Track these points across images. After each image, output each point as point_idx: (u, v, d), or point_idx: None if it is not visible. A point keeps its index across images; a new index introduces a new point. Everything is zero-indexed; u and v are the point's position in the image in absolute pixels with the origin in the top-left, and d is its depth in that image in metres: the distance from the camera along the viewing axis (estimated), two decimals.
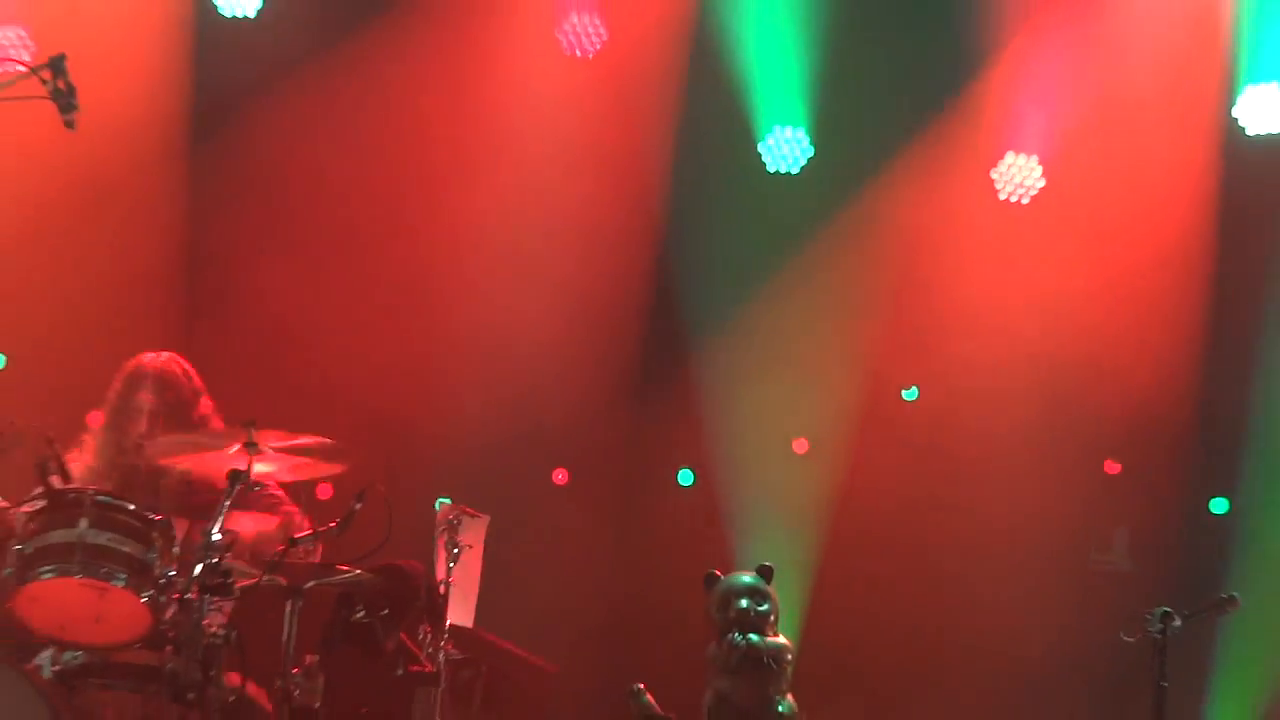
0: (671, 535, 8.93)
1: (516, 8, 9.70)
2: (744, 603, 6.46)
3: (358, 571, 6.81)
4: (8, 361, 8.76)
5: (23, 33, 9.04)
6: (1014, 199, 9.73)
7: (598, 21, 9.83)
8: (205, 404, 7.31)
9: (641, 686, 6.75)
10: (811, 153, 9.74)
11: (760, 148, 9.74)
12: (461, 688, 7.05)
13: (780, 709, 6.38)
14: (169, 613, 6.33)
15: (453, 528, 6.97)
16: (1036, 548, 8.67)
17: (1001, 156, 9.72)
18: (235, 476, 6.52)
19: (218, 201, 9.46)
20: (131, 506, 6.44)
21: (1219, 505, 9.17)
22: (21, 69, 6.44)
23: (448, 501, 7.13)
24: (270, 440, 6.62)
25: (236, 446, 6.59)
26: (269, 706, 6.63)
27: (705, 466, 9.46)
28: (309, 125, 9.39)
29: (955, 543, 8.82)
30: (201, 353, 7.60)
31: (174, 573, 6.35)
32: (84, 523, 6.29)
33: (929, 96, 9.69)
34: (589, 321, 9.19)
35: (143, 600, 6.28)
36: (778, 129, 9.70)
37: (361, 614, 6.89)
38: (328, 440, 6.82)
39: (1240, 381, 9.16)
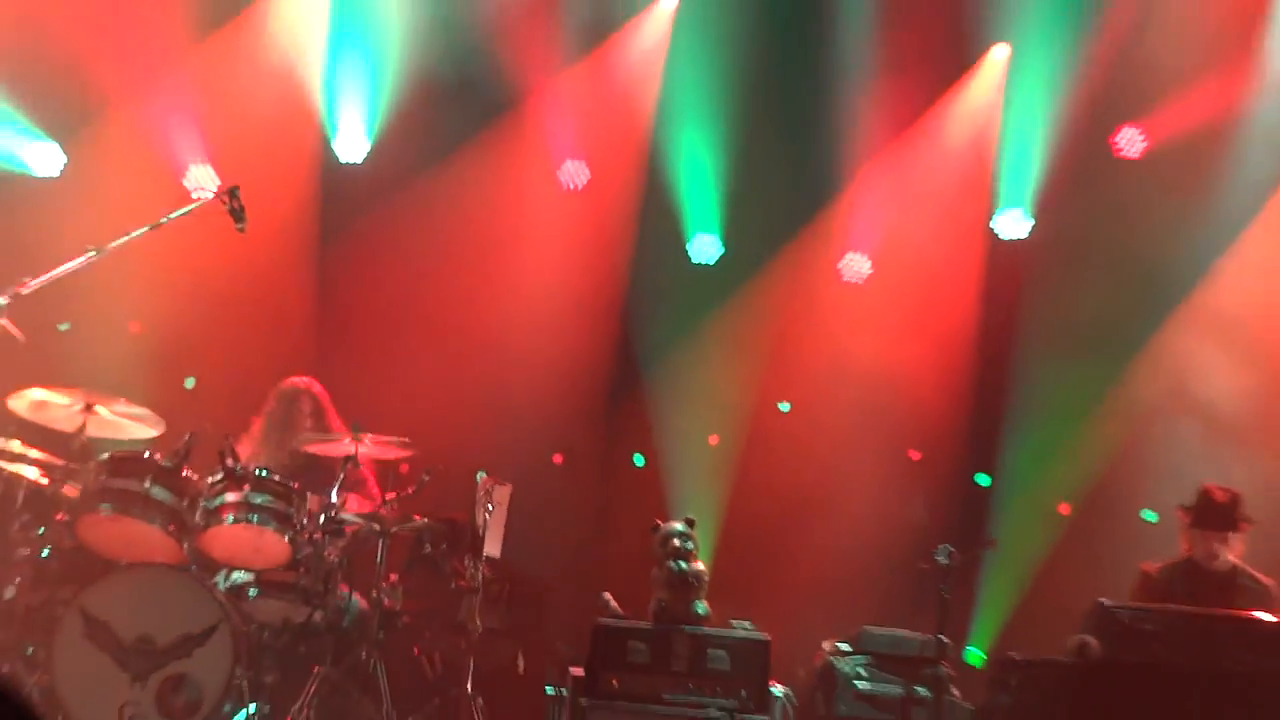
0: (629, 497, 8.93)
1: (531, 162, 9.70)
2: (676, 541, 6.44)
3: (426, 520, 6.95)
4: (196, 383, 8.67)
5: (210, 170, 8.95)
6: (853, 282, 9.75)
7: (583, 166, 9.86)
8: (331, 412, 7.42)
9: (608, 595, 6.82)
10: (722, 251, 9.74)
11: (688, 247, 9.76)
12: (493, 597, 7.10)
13: (699, 610, 6.35)
14: (303, 548, 6.47)
15: (487, 493, 7.04)
16: (869, 503, 8.71)
17: (844, 253, 9.73)
18: (346, 460, 6.67)
19: (338, 279, 9.41)
20: (278, 479, 6.58)
21: (982, 479, 9.23)
22: (210, 195, 6.57)
23: (484, 475, 7.20)
24: (368, 437, 6.75)
25: (348, 440, 6.73)
26: (367, 605, 6.71)
27: (652, 453, 9.46)
28: (402, 234, 9.39)
29: (816, 501, 8.80)
30: (329, 379, 7.74)
31: (306, 521, 6.50)
32: (248, 488, 6.41)
33: (802, 212, 9.67)
34: (577, 360, 9.21)
35: (285, 540, 6.42)
36: (699, 235, 9.73)
37: (428, 549, 7.03)
38: (404, 438, 6.93)
39: (999, 400, 9.19)
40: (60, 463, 6.61)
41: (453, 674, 6.85)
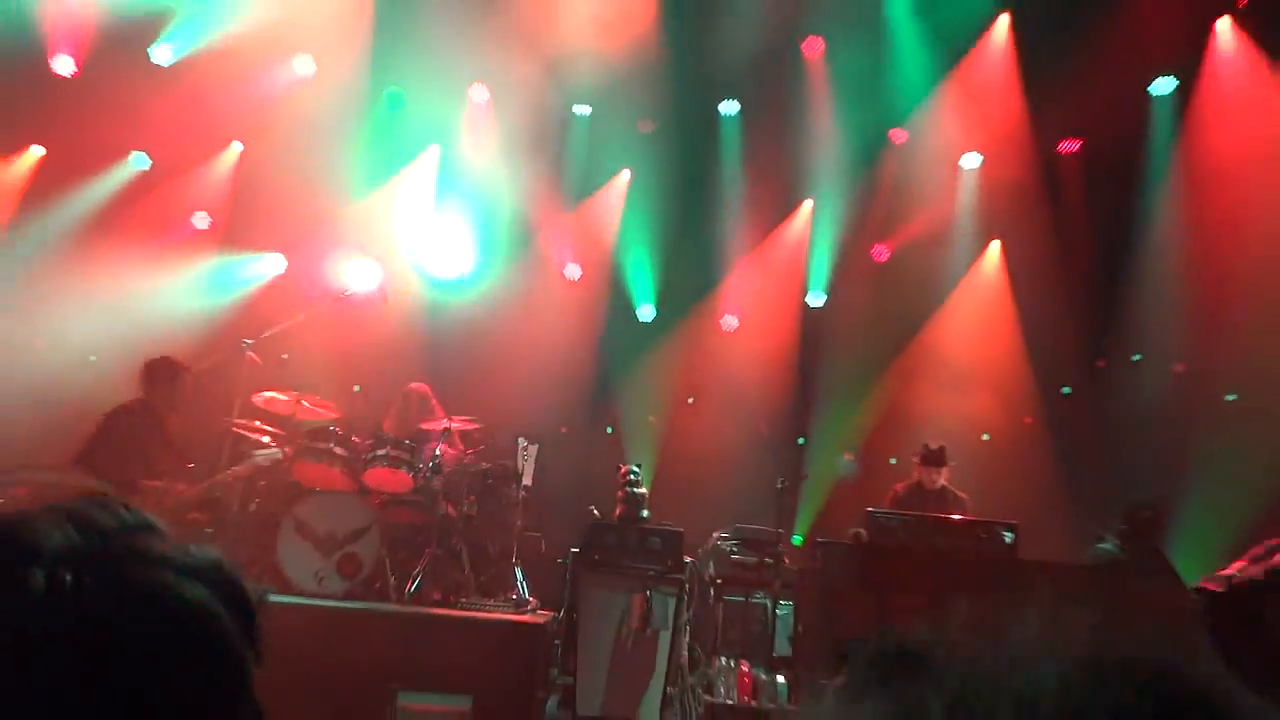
0: (604, 453, 8.85)
1: (548, 265, 9.73)
2: (631, 476, 6.54)
3: (489, 465, 6.95)
4: (361, 389, 8.54)
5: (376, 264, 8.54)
6: (727, 330, 9.77)
7: (577, 267, 9.91)
8: (434, 402, 7.32)
9: (593, 508, 6.89)
10: (655, 314, 9.74)
11: (636, 312, 9.74)
12: (526, 508, 7.08)
13: (644, 515, 6.40)
14: (419, 480, 6.48)
15: (524, 449, 7.09)
16: (740, 455, 8.44)
17: (724, 314, 9.74)
18: (444, 431, 6.69)
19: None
20: (406, 441, 6.54)
21: (801, 441, 9.23)
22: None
23: (523, 439, 7.19)
24: (457, 418, 6.75)
25: (445, 419, 6.73)
26: (454, 514, 6.70)
27: (616, 426, 9.47)
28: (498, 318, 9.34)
29: (709, 454, 8.72)
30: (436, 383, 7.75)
31: (420, 466, 6.50)
32: (388, 447, 6.40)
33: (701, 290, 9.64)
34: (575, 374, 9.11)
35: (410, 475, 6.45)
36: (642, 304, 9.75)
37: (491, 481, 7.03)
38: (475, 416, 6.92)
39: (810, 397, 9.26)
40: (283, 433, 6.69)
41: (504, 553, 6.88)
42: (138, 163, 9.13)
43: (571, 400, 9.07)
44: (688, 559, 6.27)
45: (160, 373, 6.12)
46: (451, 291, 9.55)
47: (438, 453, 6.72)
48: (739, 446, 8.62)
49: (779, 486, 6.94)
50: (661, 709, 5.73)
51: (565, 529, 6.86)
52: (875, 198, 9.30)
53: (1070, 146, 8.99)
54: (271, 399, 6.79)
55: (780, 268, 9.59)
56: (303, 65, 9.19)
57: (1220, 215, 8.04)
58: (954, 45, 8.76)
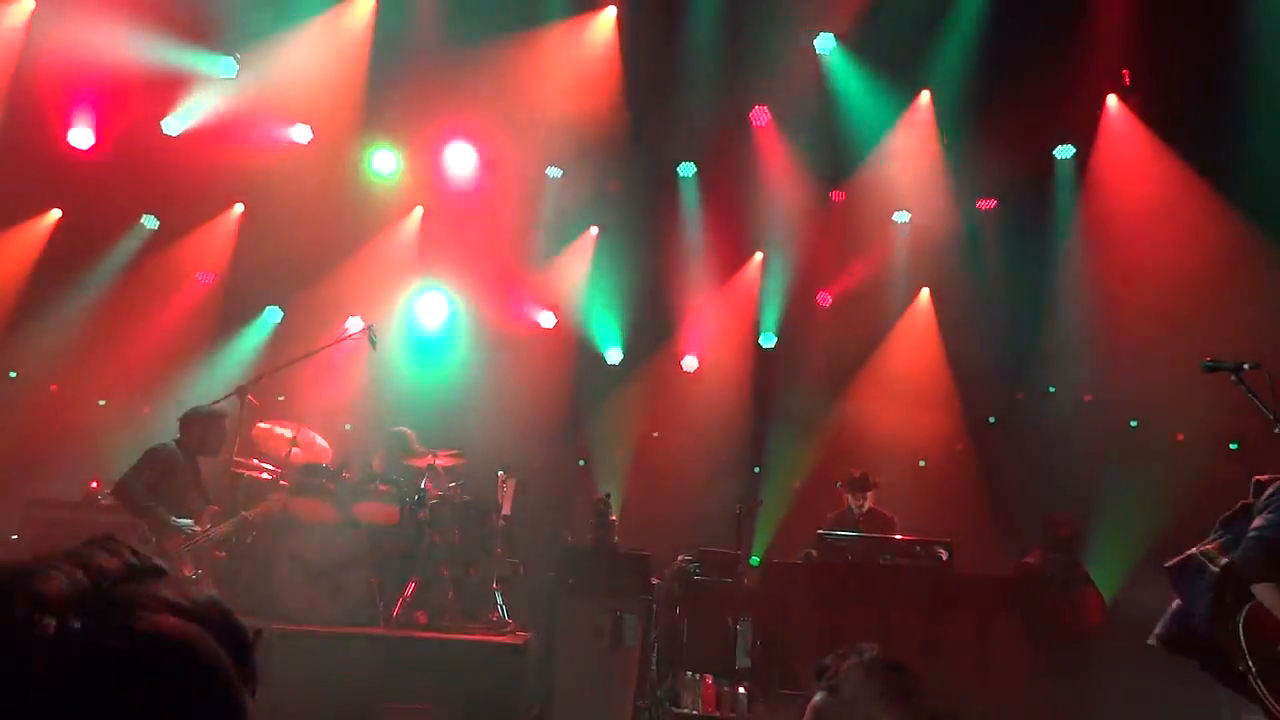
0: (578, 482, 8.83)
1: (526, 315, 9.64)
2: (602, 504, 6.48)
3: (471, 498, 6.83)
4: (351, 427, 8.30)
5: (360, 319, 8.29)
6: (688, 370, 9.67)
7: (552, 314, 9.77)
8: (418, 444, 7.08)
9: (568, 534, 6.79)
10: (622, 356, 9.68)
11: (604, 355, 9.63)
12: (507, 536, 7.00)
13: (614, 540, 6.35)
14: (405, 512, 6.32)
15: (504, 481, 7.02)
16: (701, 482, 8.46)
17: (684, 355, 9.66)
18: (428, 467, 6.56)
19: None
20: (394, 476, 6.39)
21: (756, 469, 9.11)
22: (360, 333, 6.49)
23: (502, 472, 7.12)
24: (441, 453, 6.65)
25: (430, 456, 6.62)
26: (440, 541, 6.57)
27: (589, 460, 9.36)
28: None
29: (673, 482, 8.61)
30: (421, 421, 7.60)
31: (407, 499, 6.36)
32: (377, 483, 6.23)
33: (663, 334, 9.59)
34: (553, 412, 9.04)
35: (396, 508, 6.28)
36: (610, 347, 9.67)
37: (473, 512, 6.87)
38: (458, 450, 6.81)
39: (764, 425, 9.17)
40: (280, 470, 6.54)
41: (486, 578, 6.71)
42: (148, 224, 9.10)
43: (547, 436, 8.96)
44: (655, 580, 6.22)
45: (202, 419, 5.84)
46: (434, 338, 9.45)
47: (423, 486, 6.61)
48: (700, 475, 8.56)
49: (737, 511, 6.92)
50: None
51: (542, 555, 6.75)
52: (819, 250, 9.36)
53: (987, 204, 9.15)
54: (270, 430, 6.66)
55: (735, 313, 9.55)
56: (300, 133, 9.12)
57: (1117, 263, 8.27)
58: (883, 116, 8.90)
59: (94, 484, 6.74)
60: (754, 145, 9.26)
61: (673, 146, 9.32)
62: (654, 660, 6.05)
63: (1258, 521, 3.31)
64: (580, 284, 9.60)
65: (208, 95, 8.58)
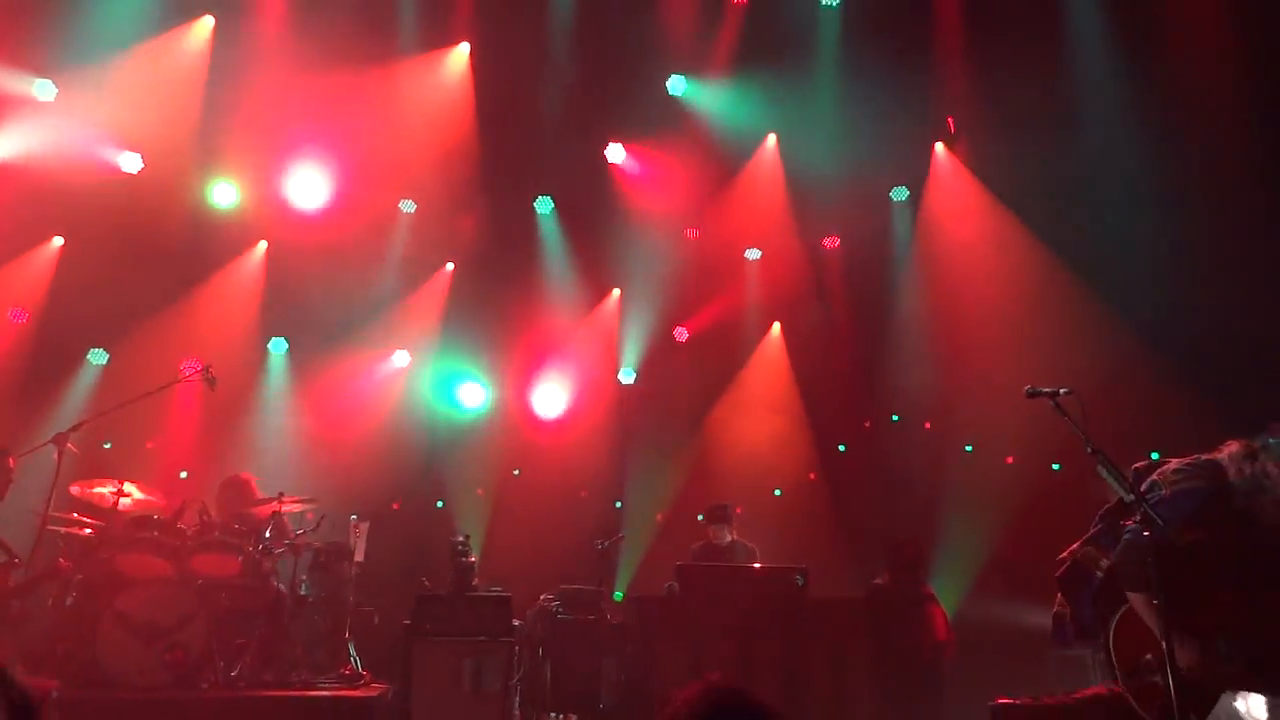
0: (435, 525, 8.48)
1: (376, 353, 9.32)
2: (459, 547, 6.20)
3: (321, 544, 6.53)
4: (188, 475, 7.83)
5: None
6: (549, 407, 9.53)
7: (404, 350, 9.52)
8: (257, 492, 6.76)
9: (425, 579, 6.51)
10: (481, 394, 9.36)
11: (463, 393, 9.32)
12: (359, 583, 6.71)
13: (473, 583, 6.16)
14: (248, 563, 5.97)
15: (356, 526, 6.77)
16: (564, 519, 8.41)
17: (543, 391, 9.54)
18: (273, 514, 6.24)
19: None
20: (234, 525, 6.04)
21: (619, 504, 8.99)
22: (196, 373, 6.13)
23: (355, 516, 6.84)
24: (287, 499, 6.36)
25: (274, 502, 6.32)
26: (286, 592, 6.25)
27: (448, 499, 8.96)
28: None
29: (535, 521, 8.46)
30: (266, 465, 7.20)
31: (249, 548, 6.02)
32: (216, 532, 5.91)
33: (523, 369, 9.37)
34: (403, 455, 8.77)
35: (238, 558, 5.97)
36: (468, 386, 9.37)
37: (323, 558, 6.59)
38: (310, 496, 6.56)
39: (625, 461, 9.10)
40: (102, 523, 6.05)
41: (337, 629, 6.45)
42: None
43: (405, 480, 8.69)
44: (516, 622, 6.11)
45: None
46: (281, 377, 9.01)
47: (266, 535, 6.27)
48: (561, 513, 8.47)
49: (599, 547, 6.93)
50: None
51: (399, 602, 6.49)
52: (676, 286, 9.50)
53: (831, 242, 9.58)
54: (88, 489, 6.15)
55: (593, 348, 9.52)
56: (129, 161, 8.57)
57: (949, 297, 8.84)
58: (734, 156, 9.22)
59: None
60: (609, 181, 9.36)
61: (530, 181, 9.32)
62: (516, 704, 5.94)
63: (1131, 521, 3.29)
64: (435, 321, 9.36)
65: (21, 119, 7.97)
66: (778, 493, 9.03)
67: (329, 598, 6.55)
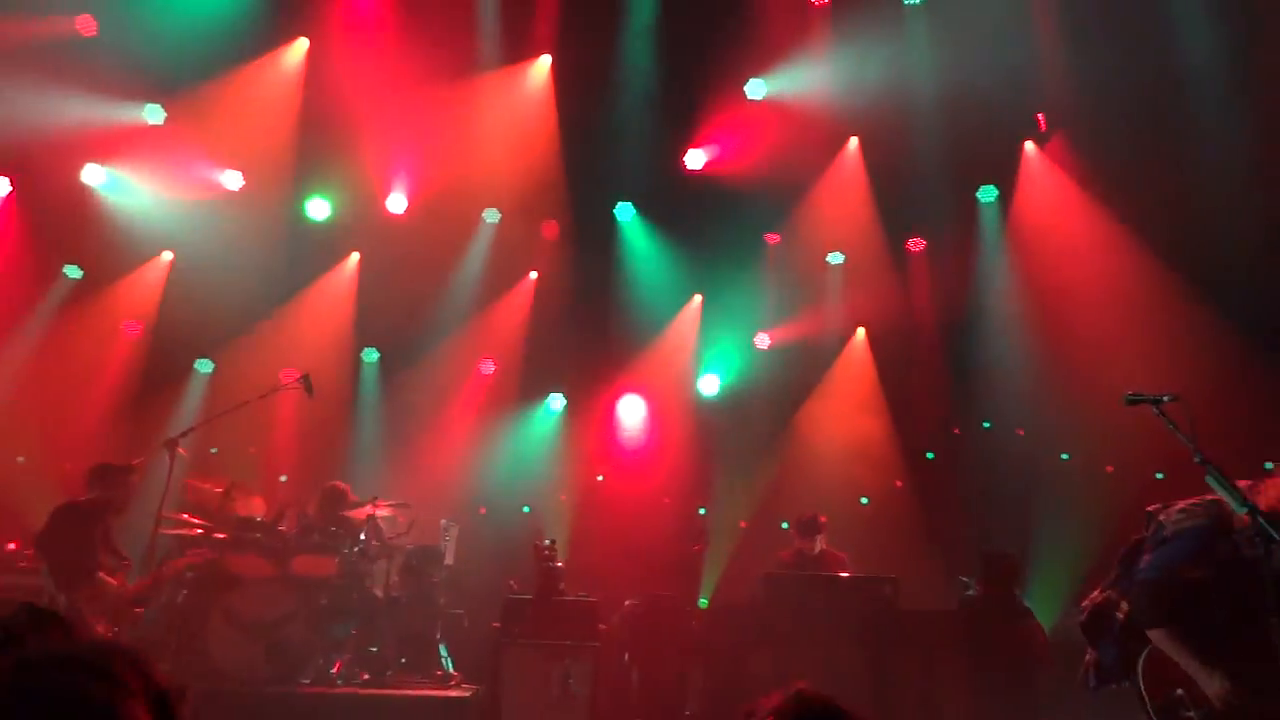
0: (522, 531, 8.45)
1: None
2: (547, 551, 6.35)
3: (412, 546, 6.67)
4: (287, 479, 8.11)
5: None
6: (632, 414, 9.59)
7: (489, 360, 9.64)
8: (351, 496, 7.00)
9: (512, 582, 6.65)
10: (564, 402, 9.54)
11: (548, 400, 9.53)
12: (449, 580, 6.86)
13: (560, 588, 6.27)
14: (344, 564, 6.17)
15: (447, 529, 6.95)
16: (649, 526, 8.29)
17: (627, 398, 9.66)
18: (369, 518, 6.47)
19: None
20: (331, 528, 6.28)
21: (702, 510, 8.90)
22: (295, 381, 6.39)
23: (446, 520, 7.06)
24: (381, 503, 6.56)
25: (369, 507, 6.51)
26: (381, 594, 6.44)
27: (534, 507, 9.06)
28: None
29: (619, 528, 8.40)
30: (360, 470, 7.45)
31: (346, 550, 6.21)
32: (315, 534, 6.08)
33: (607, 376, 9.39)
34: (492, 461, 8.87)
35: (335, 559, 6.17)
36: (552, 393, 9.57)
37: (414, 563, 6.74)
38: (403, 501, 6.72)
39: (711, 469, 9.05)
40: (212, 524, 6.38)
41: (429, 631, 6.64)
42: (70, 274, 8.85)
43: (490, 482, 8.81)
44: (602, 627, 6.17)
45: (108, 475, 5.66)
46: (375, 385, 9.30)
47: (362, 537, 6.51)
48: (646, 518, 8.49)
49: (686, 553, 6.93)
50: None
51: (487, 604, 6.64)
52: (757, 292, 9.47)
53: (917, 244, 9.41)
54: (199, 486, 6.51)
55: (675, 355, 9.51)
56: (231, 179, 9.01)
57: (1042, 300, 8.58)
58: (815, 160, 9.17)
59: (12, 545, 6.48)
60: (691, 187, 9.36)
61: (611, 189, 9.41)
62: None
63: (1143, 562, 3.46)
64: (519, 329, 9.52)
65: (134, 144, 8.46)
66: (864, 501, 8.90)
67: (420, 599, 6.75)
